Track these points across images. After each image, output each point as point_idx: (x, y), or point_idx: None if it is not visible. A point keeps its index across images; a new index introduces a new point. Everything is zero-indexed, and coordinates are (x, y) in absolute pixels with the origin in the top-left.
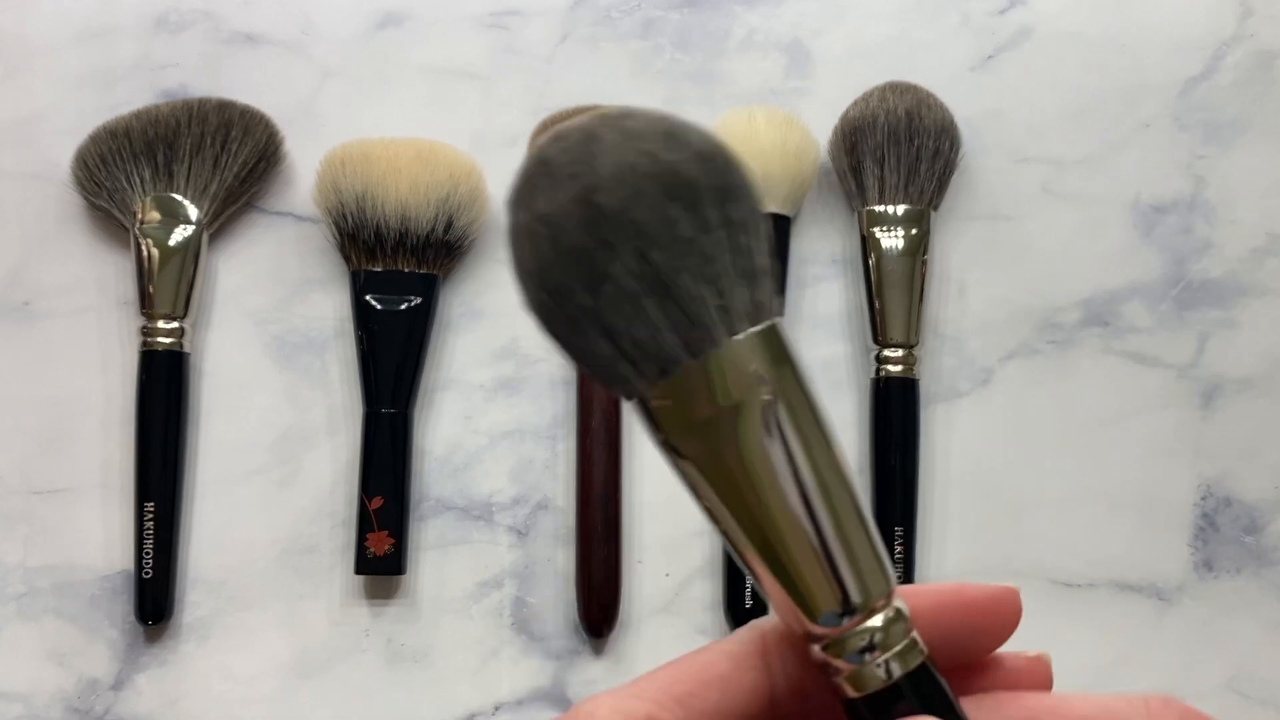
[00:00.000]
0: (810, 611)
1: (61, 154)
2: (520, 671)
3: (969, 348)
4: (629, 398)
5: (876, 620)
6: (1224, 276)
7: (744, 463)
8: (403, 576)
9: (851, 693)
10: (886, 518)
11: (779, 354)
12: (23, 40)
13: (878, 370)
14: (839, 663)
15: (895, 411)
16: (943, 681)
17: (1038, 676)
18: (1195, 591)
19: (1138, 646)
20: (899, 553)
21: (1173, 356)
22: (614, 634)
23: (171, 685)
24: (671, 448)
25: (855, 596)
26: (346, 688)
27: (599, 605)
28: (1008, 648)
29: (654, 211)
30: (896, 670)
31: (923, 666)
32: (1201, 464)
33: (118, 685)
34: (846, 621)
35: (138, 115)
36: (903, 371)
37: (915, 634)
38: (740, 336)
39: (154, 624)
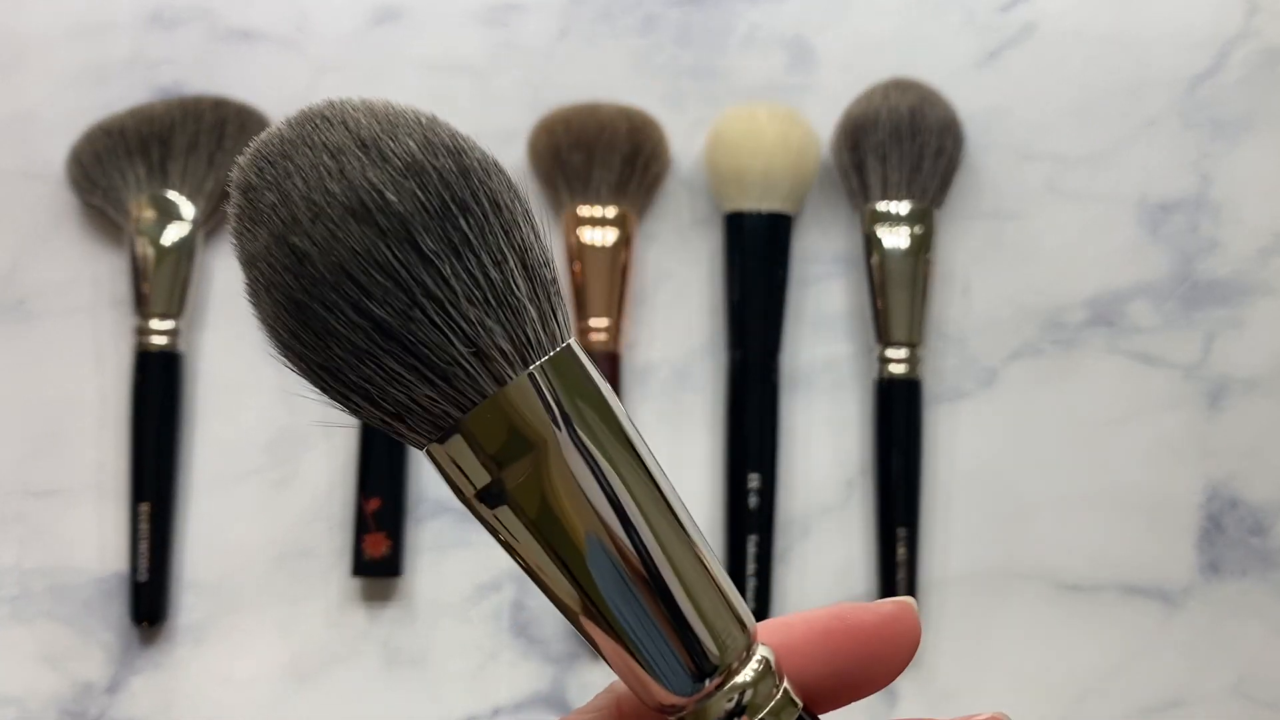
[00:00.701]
0: (658, 680)
1: (55, 152)
2: (519, 675)
3: (973, 347)
4: (419, 448)
5: (742, 677)
6: (1231, 276)
7: (549, 521)
8: (400, 579)
9: None
10: (890, 519)
11: (566, 391)
12: (16, 37)
13: (881, 370)
14: None
15: (898, 412)
16: None
17: None
18: (1201, 594)
19: (1144, 649)
20: (903, 555)
21: (1179, 356)
22: None
23: (167, 688)
24: (470, 506)
25: (710, 655)
26: (343, 691)
27: None
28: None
29: (359, 253)
30: None
31: None
32: (1208, 465)
33: (112, 688)
34: (708, 684)
35: (132, 113)
36: (906, 371)
37: (787, 684)
38: (513, 382)
39: (149, 626)
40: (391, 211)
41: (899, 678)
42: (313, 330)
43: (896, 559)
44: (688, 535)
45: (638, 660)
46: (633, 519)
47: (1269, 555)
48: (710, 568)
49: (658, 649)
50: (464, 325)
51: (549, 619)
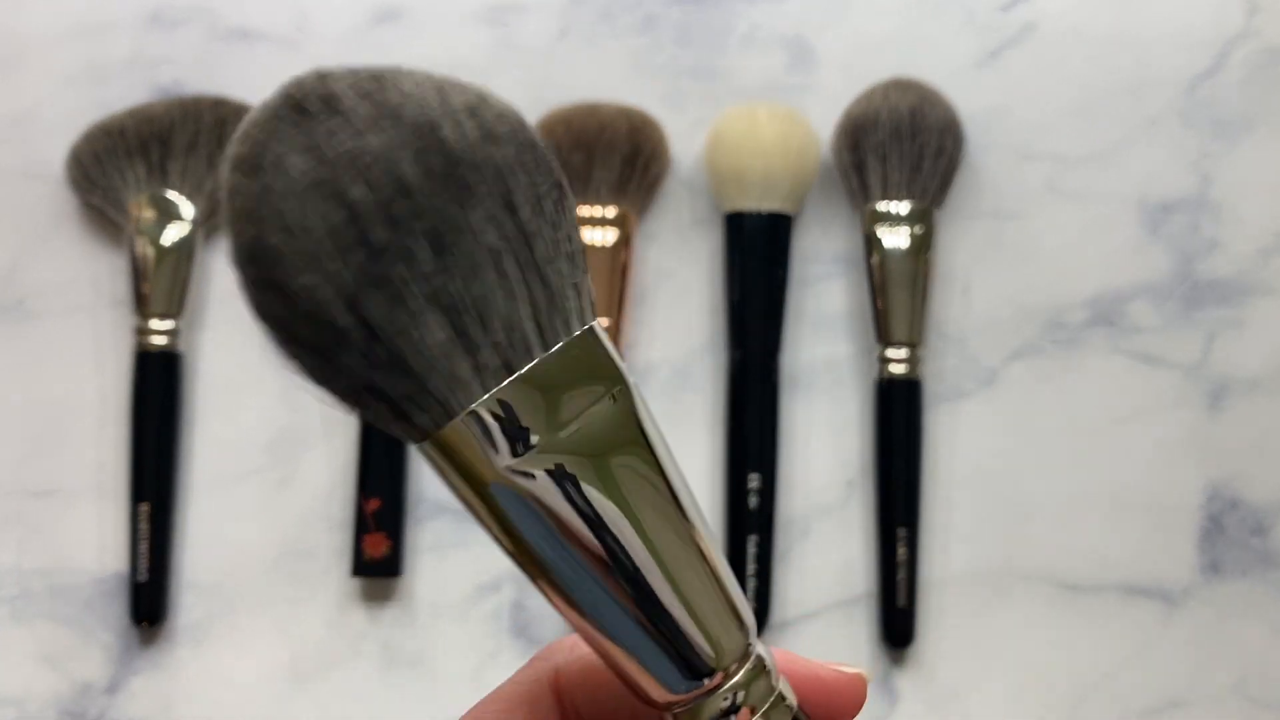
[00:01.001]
0: (654, 679)
1: (55, 152)
2: None
3: (973, 347)
4: (435, 424)
5: (738, 678)
6: (1231, 275)
7: (588, 501)
8: (400, 579)
9: None
10: (890, 519)
11: (613, 358)
12: (15, 36)
13: (881, 370)
14: None
15: (898, 412)
16: None
17: None
18: (1202, 594)
19: (1144, 650)
20: (903, 555)
21: (1179, 356)
22: None
23: (166, 689)
24: (507, 481)
25: (706, 658)
26: (343, 692)
27: None
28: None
29: (513, 157)
30: None
31: None
32: (1209, 465)
33: (112, 689)
34: (705, 684)
35: (132, 113)
36: (906, 372)
37: (782, 685)
38: (591, 324)
39: (149, 627)
40: (530, 139)
41: (898, 678)
42: (436, 227)
43: (896, 559)
44: (694, 536)
45: (629, 659)
46: (628, 530)
47: (1270, 555)
48: (715, 568)
49: (648, 650)
50: (576, 255)
51: (549, 619)
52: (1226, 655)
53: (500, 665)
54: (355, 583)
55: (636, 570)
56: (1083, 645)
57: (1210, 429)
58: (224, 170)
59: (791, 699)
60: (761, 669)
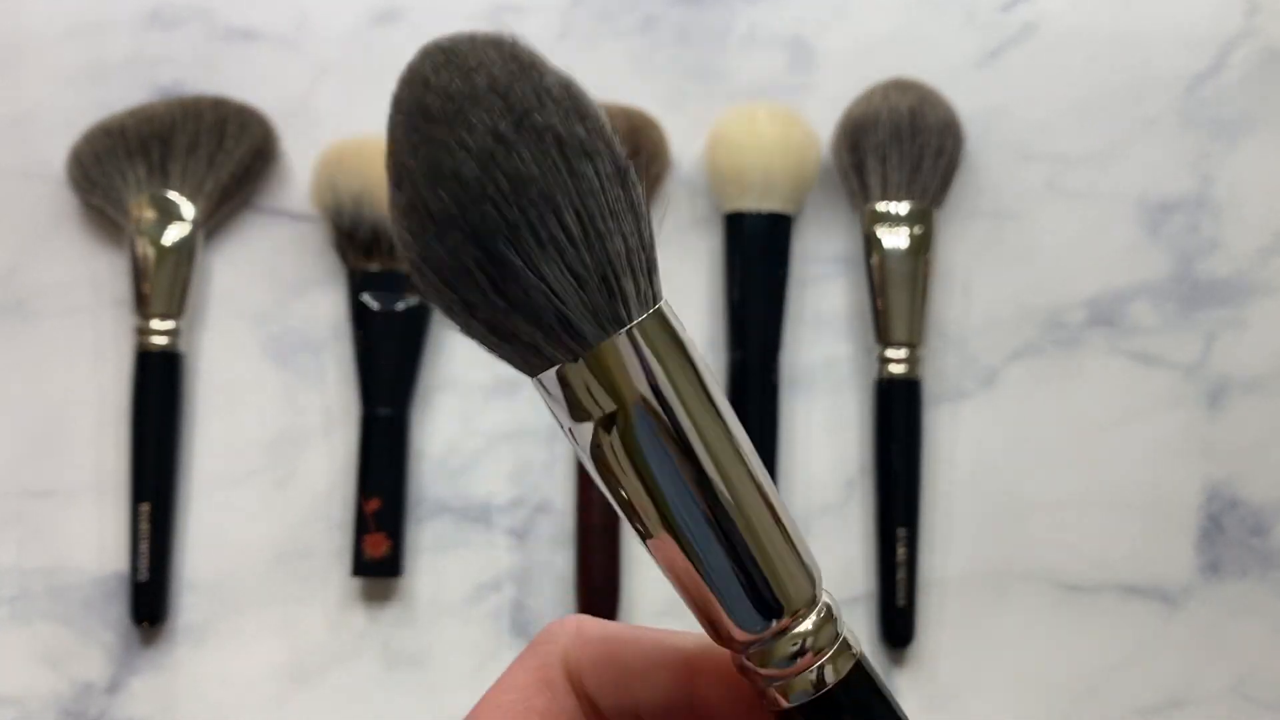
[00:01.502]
0: (730, 615)
1: (55, 152)
2: None
3: (973, 347)
4: (630, 314)
5: (804, 625)
6: (1231, 275)
7: (657, 456)
8: (400, 579)
9: (783, 703)
10: (890, 519)
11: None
12: (14, 36)
13: (881, 370)
14: (768, 670)
15: (898, 412)
16: (879, 681)
17: None
18: (1201, 594)
19: (1143, 650)
20: (903, 555)
21: (1179, 356)
22: None
23: (167, 689)
24: (617, 419)
25: (777, 598)
26: (343, 691)
27: (598, 608)
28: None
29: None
30: (830, 677)
31: (857, 668)
32: (1208, 465)
33: (112, 689)
34: (774, 624)
35: (132, 113)
36: (906, 372)
37: (847, 633)
38: (664, 300)
39: (149, 627)
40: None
41: (899, 676)
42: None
43: (896, 559)
44: (763, 489)
45: (714, 595)
46: (712, 474)
47: (1269, 555)
48: (784, 522)
49: (730, 588)
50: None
51: (549, 619)
52: (1226, 655)
53: (500, 665)
54: (355, 583)
55: (723, 502)
56: (1082, 645)
57: (1210, 429)
58: (463, 78)
59: (856, 646)
60: (829, 616)
